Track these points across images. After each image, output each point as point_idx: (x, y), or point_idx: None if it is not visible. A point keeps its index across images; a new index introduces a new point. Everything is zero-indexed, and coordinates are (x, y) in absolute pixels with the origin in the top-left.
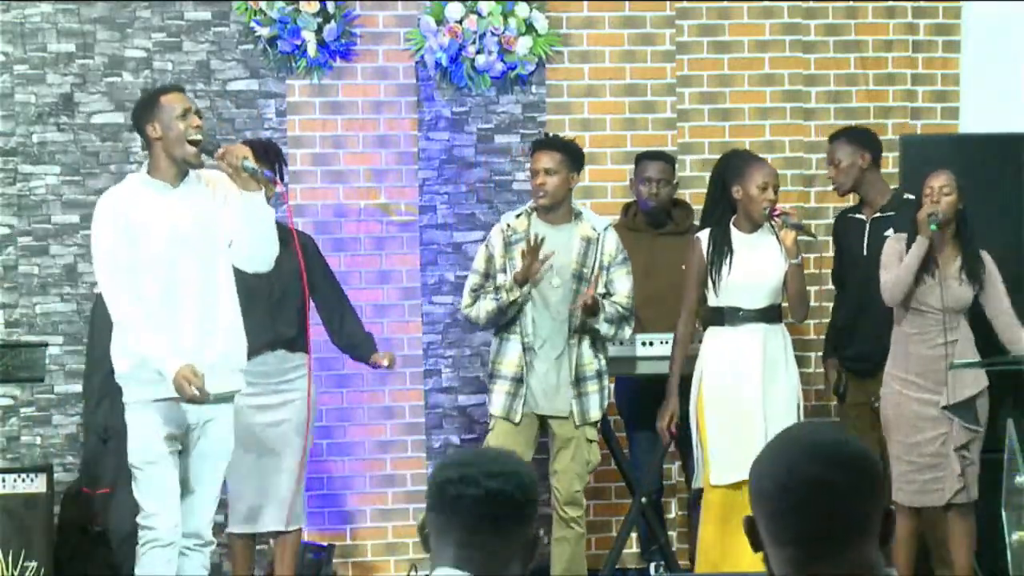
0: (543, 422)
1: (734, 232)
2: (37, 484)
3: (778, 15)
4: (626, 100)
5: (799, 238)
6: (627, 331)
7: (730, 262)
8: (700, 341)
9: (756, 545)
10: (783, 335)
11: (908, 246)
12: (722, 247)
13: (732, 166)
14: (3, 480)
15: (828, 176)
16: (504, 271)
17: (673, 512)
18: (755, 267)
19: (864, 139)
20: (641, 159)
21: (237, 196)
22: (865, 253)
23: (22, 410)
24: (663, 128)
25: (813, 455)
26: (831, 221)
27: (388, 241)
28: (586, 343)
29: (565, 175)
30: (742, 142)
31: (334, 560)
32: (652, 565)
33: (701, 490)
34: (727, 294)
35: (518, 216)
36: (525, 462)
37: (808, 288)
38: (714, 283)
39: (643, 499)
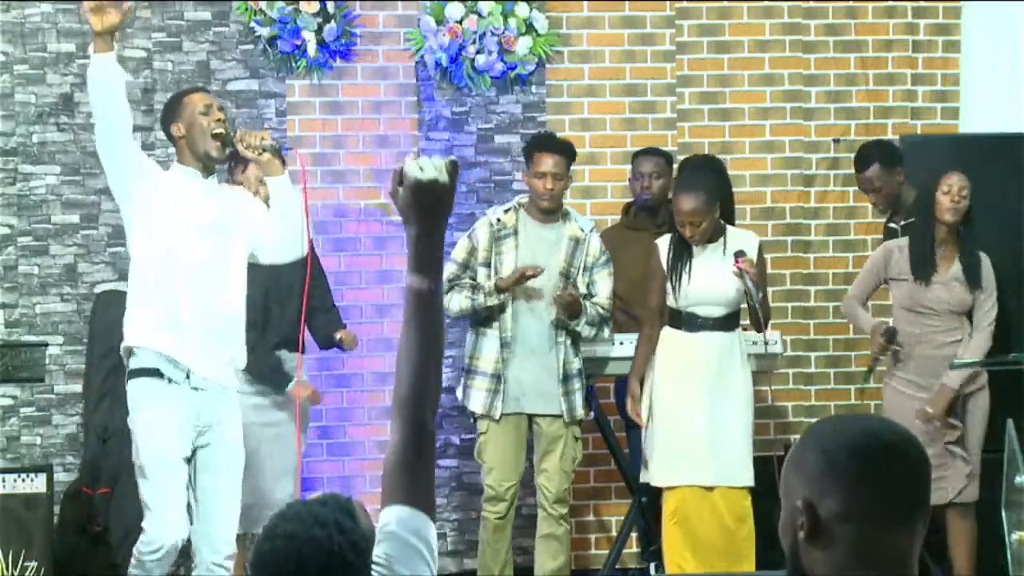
0: (530, 421)
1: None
2: (37, 484)
3: (778, 15)
4: (626, 100)
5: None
6: (605, 332)
7: (689, 270)
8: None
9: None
10: (739, 341)
11: (922, 245)
12: (681, 253)
13: (674, 191)
14: (3, 480)
15: (872, 201)
16: (487, 265)
17: None
18: (713, 277)
19: (893, 155)
20: (636, 156)
21: (257, 200)
22: None
23: (22, 410)
24: (663, 128)
25: (884, 426)
26: (832, 221)
27: (388, 241)
28: (569, 342)
29: (567, 179)
30: (742, 142)
31: None
32: (652, 565)
33: (647, 485)
34: (685, 301)
35: (507, 211)
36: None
37: (807, 288)
38: (674, 288)
39: (643, 499)
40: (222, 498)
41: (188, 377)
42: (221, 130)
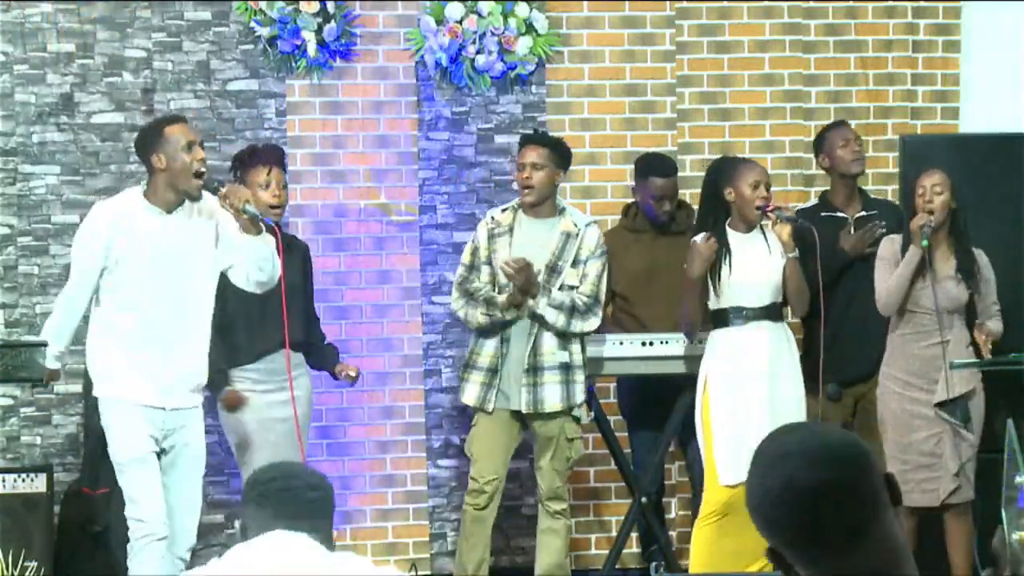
0: (525, 421)
1: (730, 233)
2: (37, 484)
3: (778, 15)
4: (626, 100)
5: (796, 231)
6: (586, 323)
7: (729, 262)
8: (702, 342)
9: (787, 571)
10: (787, 333)
11: (903, 250)
12: (720, 248)
13: (723, 170)
14: (3, 480)
15: (849, 152)
16: (488, 263)
17: (673, 512)
18: (755, 265)
19: None
20: (647, 174)
21: (234, 228)
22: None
23: (22, 410)
24: (663, 128)
25: (804, 462)
26: None
27: (388, 241)
28: (548, 333)
29: (551, 171)
30: (742, 142)
31: None
32: (652, 565)
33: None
34: (729, 294)
35: (504, 211)
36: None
37: None
38: (714, 284)
39: (643, 499)
40: (185, 496)
41: (163, 408)
42: (203, 169)
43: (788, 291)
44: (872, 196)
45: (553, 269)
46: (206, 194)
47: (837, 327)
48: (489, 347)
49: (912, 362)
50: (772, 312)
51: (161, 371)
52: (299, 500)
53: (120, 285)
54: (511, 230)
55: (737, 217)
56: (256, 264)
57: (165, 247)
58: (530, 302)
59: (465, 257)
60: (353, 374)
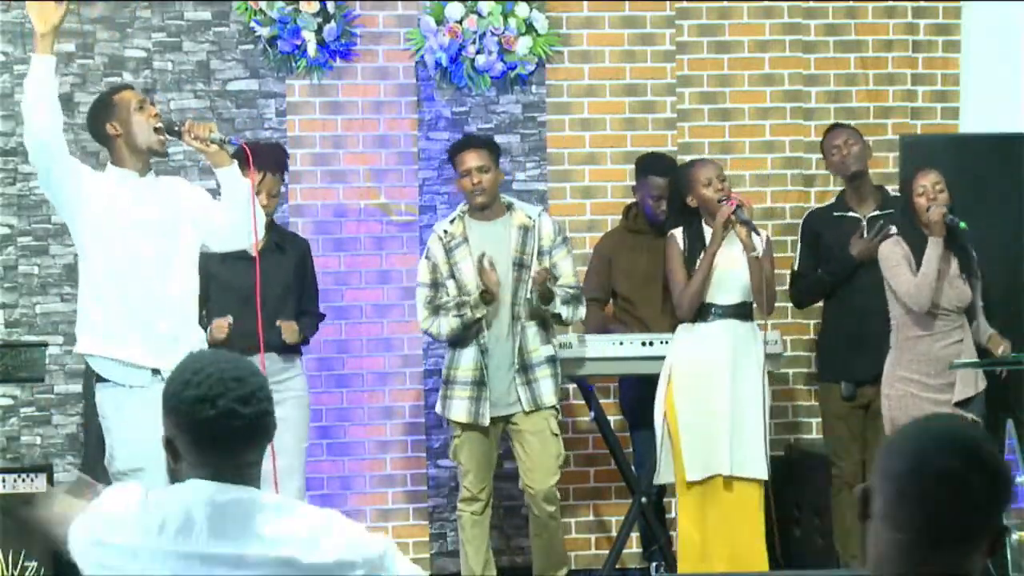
0: (504, 424)
1: (707, 231)
2: (37, 484)
3: (778, 15)
4: (626, 100)
5: (753, 232)
6: (581, 311)
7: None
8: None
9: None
10: (755, 333)
11: (912, 249)
12: (695, 244)
13: (680, 180)
14: (3, 480)
15: (838, 155)
16: (452, 277)
17: (673, 512)
18: (725, 263)
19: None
20: (647, 173)
21: (198, 188)
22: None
23: (22, 410)
24: (663, 128)
25: (953, 448)
26: None
27: (388, 241)
28: (532, 330)
29: (495, 171)
30: (742, 142)
31: None
32: (652, 565)
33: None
34: None
35: (452, 221)
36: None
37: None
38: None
39: (643, 499)
40: None
41: (158, 374)
42: (161, 124)
43: (752, 290)
44: (893, 195)
45: (521, 264)
46: (172, 181)
47: (845, 328)
48: (468, 359)
49: (930, 363)
50: (741, 311)
51: (161, 330)
52: (268, 431)
53: (101, 245)
54: (466, 239)
55: (708, 217)
56: (233, 201)
57: (141, 208)
58: (534, 303)
59: (424, 277)
60: (286, 335)
